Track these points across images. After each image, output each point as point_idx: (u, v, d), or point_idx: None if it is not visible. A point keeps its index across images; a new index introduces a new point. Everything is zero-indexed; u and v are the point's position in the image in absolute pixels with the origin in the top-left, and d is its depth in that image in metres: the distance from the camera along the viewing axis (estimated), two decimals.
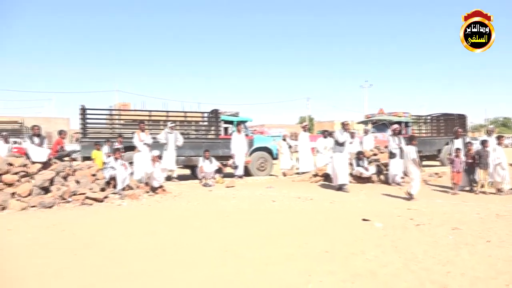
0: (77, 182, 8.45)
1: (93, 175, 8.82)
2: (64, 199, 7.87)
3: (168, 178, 11.32)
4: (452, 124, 17.70)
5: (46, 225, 6.04)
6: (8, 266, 4.10)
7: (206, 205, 7.88)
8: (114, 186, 8.90)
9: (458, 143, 10.05)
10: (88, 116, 12.47)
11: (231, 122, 14.00)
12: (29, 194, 7.71)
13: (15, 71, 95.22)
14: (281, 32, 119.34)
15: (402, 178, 10.90)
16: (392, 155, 10.72)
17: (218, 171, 11.85)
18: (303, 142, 13.79)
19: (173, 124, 11.79)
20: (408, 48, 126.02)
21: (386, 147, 11.69)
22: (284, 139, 14.10)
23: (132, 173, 9.72)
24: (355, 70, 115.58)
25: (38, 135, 9.46)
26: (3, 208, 7.27)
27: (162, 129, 12.31)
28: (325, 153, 13.19)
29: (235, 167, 12.53)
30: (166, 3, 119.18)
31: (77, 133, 18.89)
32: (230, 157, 12.65)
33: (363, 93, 53.61)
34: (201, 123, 15.10)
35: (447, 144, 14.42)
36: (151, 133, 11.75)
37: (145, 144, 10.78)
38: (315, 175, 12.03)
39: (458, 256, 4.39)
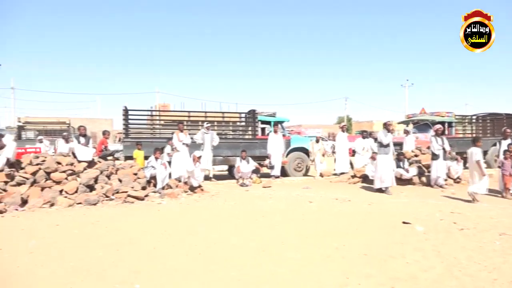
0: (120, 180, 8.77)
1: (135, 174, 9.12)
2: (107, 196, 8.20)
3: (206, 178, 11.52)
4: (500, 124, 16.82)
5: (91, 222, 6.32)
6: (57, 260, 4.33)
7: (243, 205, 7.95)
8: (155, 185, 9.16)
9: (506, 144, 9.56)
10: (130, 117, 12.90)
11: (268, 123, 14.03)
12: (76, 192, 8.09)
13: (63, 73, 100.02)
14: (319, 31, 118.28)
15: (445, 180, 10.52)
16: (434, 156, 10.36)
17: (255, 171, 11.93)
18: (341, 143, 13.59)
19: (209, 125, 11.97)
20: (451, 45, 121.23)
21: (428, 148, 11.32)
22: (318, 141, 13.96)
23: (171, 173, 9.97)
24: (395, 69, 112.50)
25: (84, 135, 9.88)
26: (52, 205, 7.67)
27: (201, 129, 12.54)
28: (363, 154, 12.96)
29: (271, 167, 12.57)
30: (204, 3, 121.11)
31: (120, 133, 19.59)
32: (266, 157, 12.69)
33: (404, 92, 51.92)
34: (238, 123, 15.22)
35: (494, 145, 13.78)
36: (189, 133, 11.99)
37: (184, 144, 11.01)
38: (353, 176, 11.84)
39: (505, 263, 4.18)
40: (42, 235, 5.44)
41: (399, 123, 20.45)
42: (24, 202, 7.59)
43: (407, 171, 10.66)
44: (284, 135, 13.87)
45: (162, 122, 14.41)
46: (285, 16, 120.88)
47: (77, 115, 50.36)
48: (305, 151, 13.84)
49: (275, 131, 12.66)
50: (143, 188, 8.81)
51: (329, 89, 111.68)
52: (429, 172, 10.79)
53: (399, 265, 4.13)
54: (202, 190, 9.77)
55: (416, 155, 11.73)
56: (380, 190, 9.60)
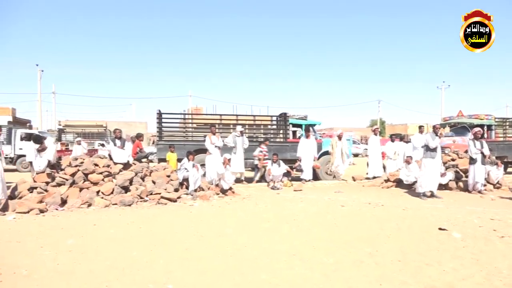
0: (153, 182, 8.96)
1: (168, 176, 9.30)
2: (141, 198, 8.40)
3: (237, 181, 11.60)
4: None
5: (126, 222, 6.49)
6: (94, 259, 4.48)
7: (273, 208, 7.94)
8: (187, 187, 9.31)
9: None
10: (164, 120, 13.18)
11: (299, 125, 13.98)
12: (111, 193, 8.35)
13: (101, 78, 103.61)
14: (352, 33, 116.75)
15: (484, 185, 10.12)
16: (472, 161, 9.99)
17: (286, 174, 11.90)
18: (374, 146, 13.32)
19: (242, 129, 12.05)
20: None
21: (466, 151, 10.93)
22: (340, 138, 13.32)
23: (203, 175, 10.09)
24: (431, 70, 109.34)
25: (120, 138, 10.17)
26: (89, 205, 7.95)
27: (232, 132, 12.67)
28: (395, 158, 12.65)
29: (299, 170, 12.52)
30: (235, 6, 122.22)
31: (154, 136, 20.05)
32: (297, 160, 12.63)
33: (440, 94, 50.37)
34: (269, 126, 15.24)
35: None
36: (221, 136, 12.11)
37: (216, 146, 11.14)
38: (387, 181, 11.59)
39: None
40: (80, 234, 5.64)
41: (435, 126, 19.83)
42: (63, 202, 7.91)
43: (443, 175, 10.32)
44: (315, 138, 13.77)
45: (194, 125, 14.64)
46: (316, 18, 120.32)
47: (113, 119, 51.89)
48: None
49: (307, 136, 12.54)
50: (176, 190, 8.97)
51: (362, 91, 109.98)
52: (466, 177, 10.41)
53: (436, 273, 4.00)
54: (233, 192, 9.84)
55: (453, 159, 11.36)
56: (424, 195, 9.33)
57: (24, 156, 16.81)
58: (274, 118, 14.83)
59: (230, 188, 9.91)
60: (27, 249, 4.84)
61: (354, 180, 12.80)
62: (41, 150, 8.39)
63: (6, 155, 18.07)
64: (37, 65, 37.23)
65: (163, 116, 13.09)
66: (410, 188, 10.71)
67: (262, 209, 7.82)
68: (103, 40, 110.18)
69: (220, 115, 14.46)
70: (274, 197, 9.64)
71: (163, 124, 13.15)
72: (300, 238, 5.40)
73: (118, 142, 9.84)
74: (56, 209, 7.57)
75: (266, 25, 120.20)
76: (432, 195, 9.36)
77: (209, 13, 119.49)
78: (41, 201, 7.69)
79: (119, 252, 4.71)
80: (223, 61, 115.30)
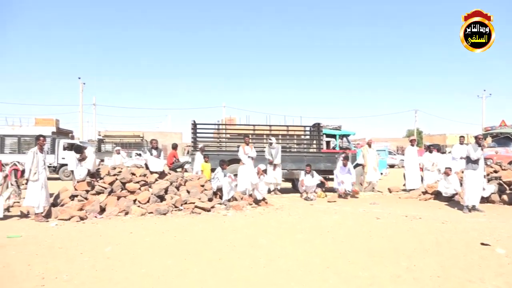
0: (188, 192, 9.11)
1: (202, 185, 9.43)
2: (176, 207, 8.55)
3: (271, 191, 11.60)
4: None
5: (161, 231, 6.62)
6: (130, 266, 4.59)
7: (307, 219, 7.86)
8: (221, 197, 9.39)
9: None
10: (198, 131, 13.42)
11: (333, 136, 13.83)
12: (148, 201, 8.55)
13: (138, 89, 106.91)
14: (387, 41, 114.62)
15: None
16: None
17: (320, 185, 11.77)
18: (411, 157, 12.92)
19: (274, 141, 12.06)
20: None
21: (510, 163, 10.42)
22: (370, 145, 12.99)
23: (236, 185, 10.16)
24: (471, 79, 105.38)
25: (156, 148, 10.43)
26: (126, 213, 8.17)
27: (266, 142, 12.72)
28: (432, 169, 12.23)
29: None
30: (268, 17, 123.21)
31: (189, 146, 20.41)
32: (332, 171, 12.46)
33: (481, 103, 48.49)
34: (303, 136, 15.17)
35: None
36: (255, 147, 12.17)
37: (249, 157, 11.19)
38: (425, 193, 11.22)
39: None
40: (117, 241, 5.80)
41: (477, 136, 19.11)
42: (102, 210, 8.18)
43: (484, 188, 9.86)
44: (349, 149, 13.58)
45: (228, 135, 14.79)
46: (350, 27, 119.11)
47: (150, 129, 53.41)
48: None
49: (345, 164, 11.71)
50: (210, 200, 9.07)
51: (398, 100, 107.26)
52: (511, 189, 9.92)
53: None
54: (266, 203, 9.84)
55: (495, 171, 10.85)
56: (466, 208, 8.95)
57: (66, 165, 17.57)
58: (308, 129, 14.75)
59: (264, 199, 9.92)
60: (68, 255, 5.04)
61: (390, 192, 12.48)
62: (81, 159, 8.73)
63: (50, 164, 18.90)
64: (79, 78, 38.82)
65: (198, 126, 13.33)
66: (449, 200, 10.32)
67: (296, 220, 7.77)
68: (140, 52, 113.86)
69: (253, 125, 14.54)
70: (308, 208, 9.55)
71: (197, 135, 13.38)
72: (334, 251, 5.31)
73: (154, 152, 10.09)
74: (95, 217, 7.83)
75: (299, 36, 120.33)
76: (474, 208, 8.97)
77: (243, 25, 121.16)
78: (81, 209, 7.99)
79: (154, 260, 4.81)
80: (256, 72, 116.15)
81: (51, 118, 24.43)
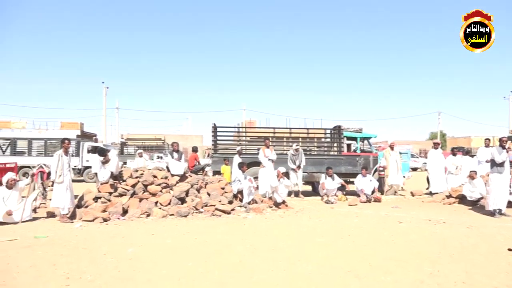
0: (208, 194, 9.17)
1: (222, 188, 9.47)
2: (197, 209, 8.62)
3: (291, 194, 11.55)
4: None
5: (182, 233, 6.69)
6: (152, 268, 4.65)
7: (328, 223, 7.80)
8: (241, 200, 9.42)
9: None
10: (219, 134, 13.49)
11: (354, 139, 13.69)
12: (169, 204, 8.65)
13: (159, 93, 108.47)
14: (408, 44, 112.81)
15: None
16: None
17: (341, 188, 11.66)
18: (434, 160, 12.65)
19: (297, 147, 12.02)
20: None
21: None
22: (392, 148, 12.75)
23: (256, 188, 10.16)
24: (496, 79, 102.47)
25: (177, 151, 10.54)
26: (148, 215, 8.28)
27: (286, 145, 12.70)
28: (457, 173, 11.95)
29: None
30: (287, 20, 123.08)
31: (209, 149, 20.56)
32: (353, 174, 12.33)
33: (507, 105, 47.09)
34: (323, 139, 15.07)
35: None
36: (275, 149, 12.16)
37: (269, 160, 11.19)
38: (449, 196, 10.97)
39: None
40: (139, 243, 5.89)
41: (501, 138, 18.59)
42: (124, 211, 8.32)
43: (510, 192, 9.54)
44: (371, 152, 13.41)
45: (248, 138, 14.83)
46: (371, 30, 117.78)
47: (171, 132, 54.05)
48: None
49: (364, 174, 11.64)
50: (230, 202, 9.10)
51: (421, 102, 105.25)
52: None
53: None
54: (286, 206, 9.81)
55: None
56: (493, 213, 8.72)
57: (90, 167, 17.96)
58: (328, 131, 14.65)
59: (284, 201, 9.89)
60: (91, 256, 5.14)
61: (413, 196, 12.24)
62: (105, 162, 8.91)
63: (75, 166, 19.35)
64: (103, 82, 39.72)
65: (218, 129, 13.41)
66: (474, 205, 10.06)
67: (316, 223, 7.71)
68: (161, 56, 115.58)
69: (274, 128, 14.54)
70: (328, 211, 9.47)
71: (218, 137, 13.46)
72: (356, 255, 5.25)
73: (175, 154, 10.20)
74: (118, 218, 7.97)
75: (319, 39, 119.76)
76: (500, 213, 8.71)
77: (262, 28, 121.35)
78: (104, 210, 8.14)
79: (175, 262, 4.86)
80: (276, 75, 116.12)
81: (76, 122, 25.02)
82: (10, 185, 7.94)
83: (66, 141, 8.16)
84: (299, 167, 11.88)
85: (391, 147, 12.75)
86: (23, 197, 8.18)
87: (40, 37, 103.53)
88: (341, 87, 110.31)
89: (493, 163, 8.76)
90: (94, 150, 19.35)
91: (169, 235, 6.47)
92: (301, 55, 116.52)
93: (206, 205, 8.76)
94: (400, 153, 13.85)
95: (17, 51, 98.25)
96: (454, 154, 12.43)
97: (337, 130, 13.68)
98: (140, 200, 8.70)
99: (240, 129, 15.62)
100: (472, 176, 10.01)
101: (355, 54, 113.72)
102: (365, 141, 14.09)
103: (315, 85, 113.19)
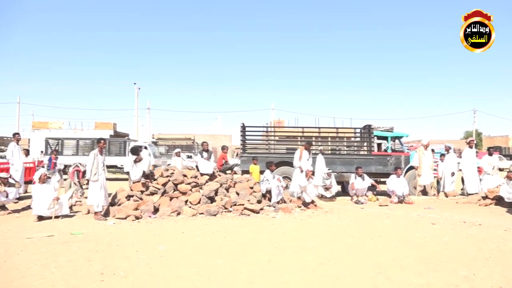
0: (237, 193, 9.24)
1: (251, 187, 9.52)
2: (226, 208, 8.70)
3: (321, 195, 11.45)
4: None
5: (211, 231, 6.77)
6: (182, 265, 4.74)
7: (357, 223, 7.70)
8: (269, 199, 9.43)
9: None
10: (247, 133, 13.54)
11: (385, 138, 13.43)
12: (198, 202, 8.77)
13: (189, 93, 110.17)
14: (443, 41, 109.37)
15: None
16: None
17: (371, 188, 11.47)
18: (469, 160, 12.23)
19: (329, 171, 11.82)
20: None
21: None
22: (426, 148, 12.22)
23: (285, 187, 10.14)
24: None
25: (207, 150, 10.67)
26: (178, 213, 8.43)
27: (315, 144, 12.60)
28: (493, 173, 11.50)
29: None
30: (316, 19, 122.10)
31: (238, 148, 20.68)
32: (384, 174, 12.09)
33: None
34: (353, 139, 14.86)
35: None
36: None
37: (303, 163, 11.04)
38: (485, 198, 10.58)
39: None
40: (170, 241, 6.01)
41: None
42: (156, 210, 8.50)
43: None
44: (402, 151, 13.11)
45: (276, 138, 14.81)
46: (403, 30, 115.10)
47: (200, 132, 54.77)
48: None
49: (398, 175, 11.38)
50: (259, 202, 9.13)
51: (455, 101, 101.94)
52: None
53: None
54: (315, 205, 9.75)
55: None
56: None
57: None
58: (358, 131, 14.43)
59: (312, 201, 9.83)
60: (124, 253, 5.29)
61: (447, 196, 11.88)
62: (137, 161, 9.13)
63: (121, 165, 19.79)
64: (134, 83, 40.54)
65: (247, 129, 13.46)
66: None
67: (345, 224, 7.63)
68: (190, 57, 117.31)
69: (302, 127, 14.46)
70: (358, 211, 9.34)
71: (246, 137, 13.51)
72: (386, 256, 5.16)
73: (205, 154, 10.32)
74: (149, 216, 8.15)
75: (350, 37, 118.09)
76: None
77: (292, 28, 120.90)
78: (136, 208, 8.35)
79: (205, 260, 4.93)
80: (305, 74, 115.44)
81: (109, 122, 25.77)
82: (43, 180, 8.24)
83: (102, 141, 8.42)
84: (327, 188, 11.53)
85: (426, 147, 12.35)
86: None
87: (77, 40, 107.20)
88: (372, 86, 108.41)
89: None
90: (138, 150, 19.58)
91: (198, 234, 6.57)
92: (330, 55, 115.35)
93: (235, 204, 8.83)
94: (435, 152, 13.43)
95: (54, 54, 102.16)
96: (491, 154, 11.98)
97: (367, 129, 13.46)
98: (171, 198, 8.86)
99: (269, 129, 15.62)
100: (510, 176, 9.62)
101: (386, 53, 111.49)
102: (396, 140, 13.79)
103: (344, 84, 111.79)
